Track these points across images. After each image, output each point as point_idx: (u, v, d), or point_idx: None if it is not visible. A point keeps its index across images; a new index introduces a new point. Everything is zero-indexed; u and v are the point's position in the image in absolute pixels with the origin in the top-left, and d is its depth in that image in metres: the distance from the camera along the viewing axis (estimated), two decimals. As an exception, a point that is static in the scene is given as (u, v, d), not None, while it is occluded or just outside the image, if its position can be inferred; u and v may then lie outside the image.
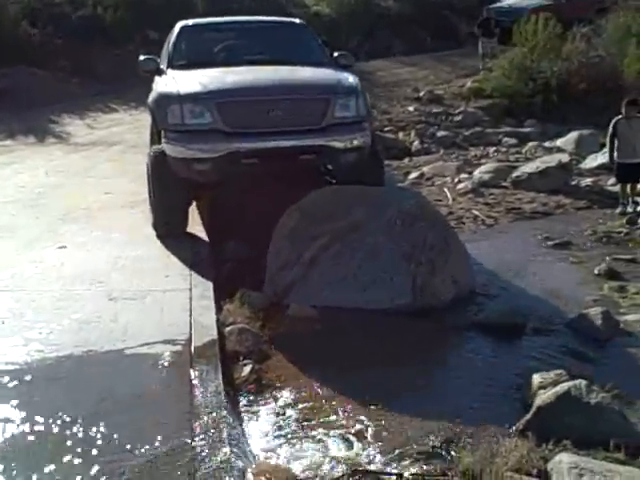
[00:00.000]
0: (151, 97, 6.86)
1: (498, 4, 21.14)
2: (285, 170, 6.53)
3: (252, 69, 6.78)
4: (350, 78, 6.75)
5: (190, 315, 4.98)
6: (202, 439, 3.47)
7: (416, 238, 5.66)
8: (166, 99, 6.39)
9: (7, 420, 3.72)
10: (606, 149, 8.69)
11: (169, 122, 6.26)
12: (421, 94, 15.22)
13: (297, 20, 8.77)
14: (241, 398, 4.21)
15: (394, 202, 6.01)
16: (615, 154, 8.26)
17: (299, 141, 6.20)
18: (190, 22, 7.93)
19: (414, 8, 23.45)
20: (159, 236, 6.61)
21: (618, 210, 8.08)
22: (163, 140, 6.38)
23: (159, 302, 5.22)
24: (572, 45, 14.68)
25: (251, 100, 6.23)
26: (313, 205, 6.20)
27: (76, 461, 3.35)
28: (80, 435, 3.56)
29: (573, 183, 9.46)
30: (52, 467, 3.31)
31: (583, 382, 3.93)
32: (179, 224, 6.66)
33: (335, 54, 7.56)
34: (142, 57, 7.42)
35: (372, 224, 5.75)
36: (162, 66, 7.22)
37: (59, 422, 3.67)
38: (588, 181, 9.52)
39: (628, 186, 8.25)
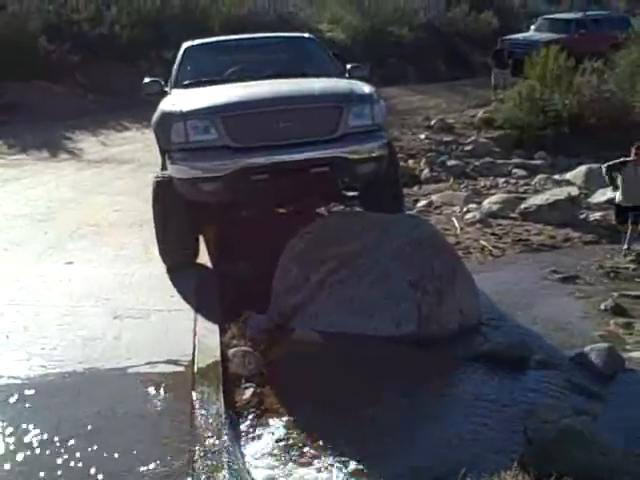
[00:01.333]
0: (154, 118, 6.46)
1: (512, 36, 21.26)
2: (299, 185, 6.09)
3: (259, 83, 6.41)
4: (364, 86, 6.42)
5: (194, 336, 4.98)
6: (201, 463, 3.46)
7: (424, 266, 5.65)
8: (169, 117, 6.03)
9: (4, 434, 3.71)
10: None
11: (173, 141, 5.89)
12: (432, 122, 15.23)
13: (306, 34, 8.47)
14: (242, 421, 4.20)
15: (404, 229, 6.01)
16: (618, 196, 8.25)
17: (311, 153, 5.81)
18: (196, 42, 7.62)
19: (429, 37, 23.57)
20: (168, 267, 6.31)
21: (624, 247, 7.98)
22: (168, 162, 6.05)
23: (164, 321, 5.24)
24: (584, 79, 14.70)
25: (258, 112, 5.87)
26: (323, 229, 6.22)
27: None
28: (77, 453, 3.56)
29: (581, 217, 9.45)
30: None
31: (586, 418, 3.91)
32: (188, 254, 6.38)
33: (348, 66, 7.18)
34: (146, 80, 7.08)
35: (381, 250, 5.75)
36: (167, 88, 6.90)
37: (57, 439, 3.67)
38: (596, 215, 9.49)
39: (629, 225, 8.14)
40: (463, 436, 4.09)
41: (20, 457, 3.54)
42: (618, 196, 8.28)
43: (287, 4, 23.75)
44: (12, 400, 4.07)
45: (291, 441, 4.03)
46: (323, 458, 3.85)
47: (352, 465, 3.79)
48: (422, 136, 14.46)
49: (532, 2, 31.93)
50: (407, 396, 4.57)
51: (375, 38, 22.12)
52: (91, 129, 13.74)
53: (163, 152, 6.27)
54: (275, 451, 3.92)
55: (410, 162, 12.92)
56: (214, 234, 7.27)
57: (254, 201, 6.33)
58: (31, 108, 14.57)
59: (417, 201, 10.43)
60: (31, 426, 3.78)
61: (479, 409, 4.42)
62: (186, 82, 6.79)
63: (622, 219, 8.26)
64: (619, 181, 8.22)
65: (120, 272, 6.26)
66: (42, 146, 12.22)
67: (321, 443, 4.00)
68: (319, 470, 3.72)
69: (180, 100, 6.19)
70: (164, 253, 6.31)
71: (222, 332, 5.27)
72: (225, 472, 3.36)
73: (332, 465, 3.78)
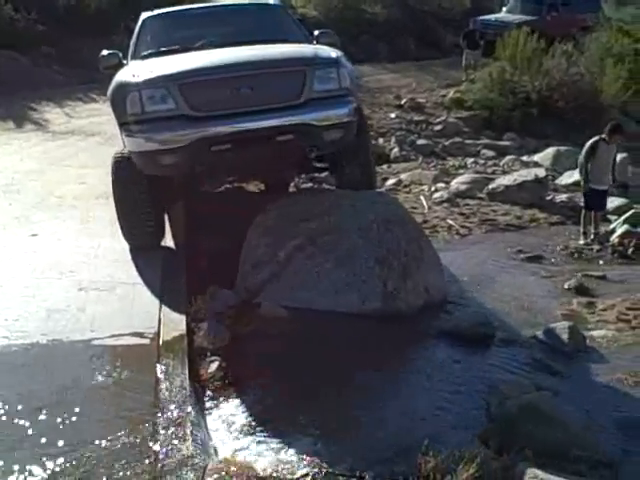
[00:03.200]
0: (109, 89, 6.01)
1: (484, 17, 21.30)
2: (263, 155, 5.80)
3: (220, 50, 6.06)
4: (330, 50, 6.15)
5: (160, 309, 4.95)
6: (165, 434, 3.46)
7: (390, 243, 5.68)
8: (123, 88, 5.65)
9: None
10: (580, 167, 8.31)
11: (128, 112, 5.51)
12: (403, 102, 15.26)
13: (271, 1, 8.10)
14: (206, 394, 4.19)
15: (372, 206, 6.01)
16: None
17: (274, 120, 5.49)
18: (155, 12, 7.23)
19: (401, 16, 23.56)
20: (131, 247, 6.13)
21: (581, 242, 7.87)
22: (123, 135, 5.72)
23: (129, 294, 5.20)
24: (554, 61, 14.81)
25: (217, 79, 5.54)
26: (291, 205, 6.22)
27: (36, 450, 3.33)
28: (41, 425, 3.53)
29: (548, 198, 9.56)
30: (11, 455, 3.28)
31: (547, 394, 3.97)
32: (152, 236, 6.17)
33: (316, 32, 6.89)
34: (104, 52, 6.65)
35: (348, 227, 5.76)
36: (125, 61, 6.54)
37: (21, 410, 3.64)
38: (563, 197, 9.61)
39: (592, 215, 8.14)
40: (425, 412, 4.12)
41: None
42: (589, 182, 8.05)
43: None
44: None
45: (255, 415, 4.03)
46: (286, 432, 3.85)
47: (314, 439, 3.80)
48: (392, 115, 14.49)
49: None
50: (370, 372, 4.59)
51: (348, 15, 22.04)
52: (57, 101, 13.53)
53: (121, 126, 5.84)
54: (238, 424, 3.92)
55: (380, 140, 12.95)
56: (181, 209, 7.21)
57: (216, 173, 6.08)
58: (-4, 79, 14.29)
59: (386, 179, 10.47)
60: (-6, 398, 3.75)
61: (442, 385, 4.45)
62: (144, 53, 6.50)
63: (594, 203, 8.12)
64: (589, 165, 8.04)
65: (85, 245, 6.19)
66: (7, 117, 12.02)
67: (285, 417, 4.00)
68: (281, 444, 3.73)
69: (135, 70, 5.86)
70: (127, 235, 6.12)
71: (189, 306, 5.24)
72: (189, 443, 3.36)
73: (294, 439, 3.79)
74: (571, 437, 3.66)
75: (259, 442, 3.76)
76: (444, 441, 3.78)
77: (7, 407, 3.67)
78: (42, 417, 3.58)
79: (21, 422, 3.56)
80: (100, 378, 4.00)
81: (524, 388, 4.22)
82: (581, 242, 7.89)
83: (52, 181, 8.35)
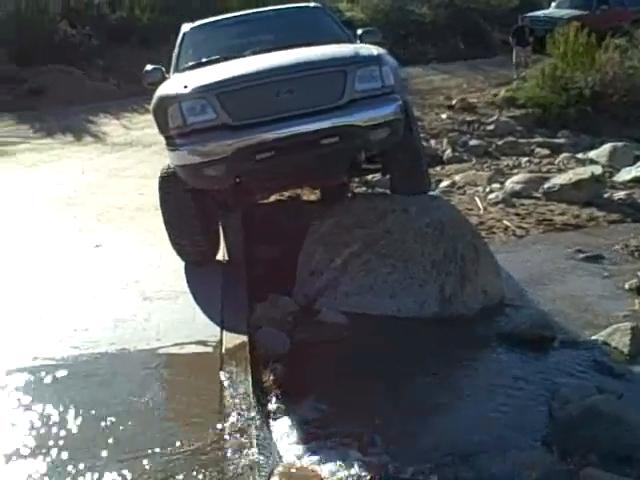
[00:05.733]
0: (151, 104, 5.97)
1: (533, 13, 21.07)
2: (308, 161, 5.63)
3: (261, 57, 5.97)
4: (372, 48, 6.00)
5: (221, 317, 5.06)
6: (230, 439, 3.55)
7: (447, 247, 5.70)
8: (164, 101, 5.65)
9: (41, 415, 3.83)
10: None
11: (170, 126, 5.52)
12: (454, 102, 15.19)
13: (312, 3, 7.88)
14: (269, 401, 4.28)
15: (425, 210, 6.04)
16: None
17: (317, 123, 5.37)
18: (195, 23, 7.24)
19: (449, 16, 23.44)
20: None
21: None
22: (167, 149, 5.70)
23: (191, 303, 5.32)
24: (606, 56, 14.56)
25: (255, 85, 5.44)
26: (345, 212, 6.27)
27: (105, 458, 3.45)
28: (111, 433, 3.66)
29: (606, 196, 9.38)
30: (82, 464, 3.41)
31: (611, 397, 3.95)
32: (205, 252, 6.15)
33: (359, 31, 6.77)
34: (148, 67, 6.54)
35: (403, 231, 5.79)
36: (167, 74, 6.47)
37: (88, 418, 3.78)
38: (621, 194, 9.43)
39: None
40: (487, 416, 4.14)
41: (58, 437, 3.65)
42: None
43: (307, -16, 23.59)
44: (47, 381, 4.18)
45: (318, 421, 4.11)
46: (350, 437, 3.92)
47: (379, 444, 3.85)
48: (444, 116, 14.43)
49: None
50: (431, 376, 4.63)
51: (395, 17, 22.06)
52: (114, 113, 13.88)
53: (165, 140, 5.82)
54: (303, 431, 3.99)
55: (432, 142, 12.92)
56: (237, 220, 7.31)
57: (261, 182, 5.96)
58: (54, 93, 14.77)
59: (440, 181, 10.42)
60: (66, 407, 3.89)
61: (503, 389, 4.46)
62: (186, 65, 6.48)
63: None
64: None
65: (147, 255, 6.36)
66: (67, 130, 12.39)
67: (346, 423, 4.07)
68: (344, 449, 3.79)
69: (176, 83, 5.84)
70: (179, 252, 6.12)
71: (249, 313, 5.36)
72: (254, 449, 3.45)
73: (356, 445, 3.85)
74: (636, 440, 3.64)
75: (322, 447, 3.82)
76: (506, 446, 3.80)
77: (76, 416, 3.81)
78: (111, 426, 3.71)
79: (89, 431, 3.70)
80: (166, 386, 4.13)
81: (586, 391, 4.20)
82: None
83: (113, 193, 8.59)
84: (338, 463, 3.64)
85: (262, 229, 7.39)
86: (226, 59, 6.18)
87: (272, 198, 8.70)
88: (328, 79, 5.59)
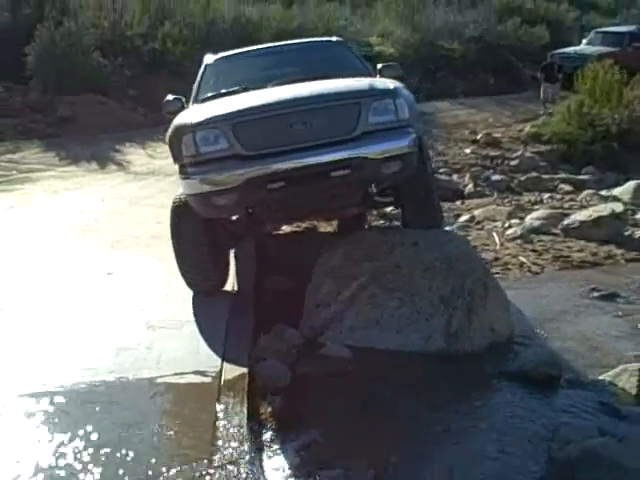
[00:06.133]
0: (168, 133, 6.00)
1: (563, 49, 21.05)
2: (319, 192, 5.65)
3: (275, 89, 6.03)
4: (388, 82, 6.04)
5: (224, 348, 5.06)
6: (219, 472, 3.52)
7: (455, 282, 5.65)
8: (179, 130, 5.70)
9: (35, 441, 3.85)
10: None
11: (184, 155, 5.57)
12: (479, 137, 15.18)
13: (333, 38, 7.95)
14: (264, 434, 4.24)
15: (436, 244, 6.01)
16: None
17: (329, 155, 5.40)
18: (218, 55, 7.31)
19: (479, 51, 23.49)
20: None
21: None
22: (180, 177, 5.73)
23: (196, 333, 5.33)
24: (634, 93, 14.48)
25: (268, 116, 5.49)
26: (355, 244, 6.26)
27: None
28: (103, 460, 3.66)
29: (627, 234, 9.26)
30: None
31: (612, 440, 3.86)
32: (213, 284, 6.20)
33: (379, 66, 6.77)
34: (169, 97, 6.61)
35: (412, 265, 5.76)
36: (187, 105, 6.52)
37: (84, 446, 3.78)
38: (643, 232, 9.31)
39: None
40: (486, 454, 4.07)
41: (48, 463, 3.66)
42: None
43: (338, 19, 23.84)
44: (43, 407, 4.20)
45: (314, 456, 4.06)
46: (345, 474, 3.86)
47: (371, 480, 3.80)
48: (467, 150, 14.43)
49: (586, 15, 31.55)
50: (432, 413, 4.56)
51: (425, 52, 22.20)
52: (140, 142, 14.07)
53: (179, 169, 5.85)
54: (297, 465, 3.95)
55: (454, 176, 12.90)
56: (249, 250, 7.31)
57: (272, 213, 5.94)
58: (83, 121, 15.00)
59: (459, 216, 10.38)
60: (60, 434, 3.91)
61: (503, 428, 4.38)
62: (205, 96, 6.55)
63: None
64: None
65: (157, 283, 6.41)
66: (91, 158, 12.58)
67: (344, 459, 4.01)
68: (337, 485, 3.75)
69: (192, 113, 5.94)
70: (187, 281, 6.16)
71: (253, 344, 5.35)
72: (242, 483, 3.42)
73: (351, 480, 3.80)
74: (633, 486, 3.55)
75: (314, 483, 3.78)
76: (503, 485, 3.73)
77: (71, 443, 3.82)
78: (102, 454, 3.71)
79: (83, 457, 3.70)
80: (161, 416, 4.12)
81: (588, 432, 4.11)
82: None
83: (131, 221, 8.68)
84: (326, 499, 3.59)
85: (276, 260, 7.42)
86: (245, 90, 6.24)
87: (288, 229, 8.77)
88: (342, 111, 5.60)
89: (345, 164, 5.42)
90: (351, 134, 5.48)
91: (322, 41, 7.95)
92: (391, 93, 5.75)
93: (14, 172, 11.69)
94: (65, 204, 9.57)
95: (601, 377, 5.07)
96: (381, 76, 6.59)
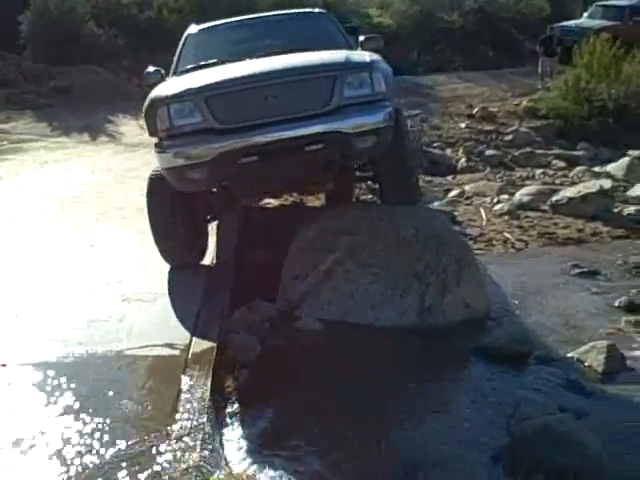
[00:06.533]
0: (144, 106, 5.90)
1: (563, 23, 20.83)
2: (293, 166, 5.58)
3: (251, 61, 5.93)
4: (365, 55, 5.93)
5: (196, 321, 5.07)
6: (177, 444, 3.56)
7: (429, 258, 5.65)
8: (154, 103, 5.61)
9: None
10: None
11: (159, 128, 5.52)
12: (474, 111, 15.07)
13: (317, 9, 7.91)
14: (228, 407, 4.28)
15: (413, 221, 6.00)
16: None
17: (302, 129, 5.31)
18: (200, 26, 7.27)
19: (478, 23, 23.26)
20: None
21: None
22: (155, 151, 5.67)
23: (169, 306, 5.34)
24: (632, 68, 14.34)
25: (242, 89, 5.41)
26: (333, 219, 6.25)
27: (52, 457, 3.51)
28: (62, 430, 3.71)
29: (616, 210, 9.22)
30: (29, 454, 3.51)
31: (568, 416, 3.88)
32: (190, 256, 6.15)
33: (361, 38, 6.67)
34: (149, 69, 6.50)
35: (387, 241, 5.76)
36: (167, 77, 6.43)
37: (46, 416, 3.86)
38: (632, 209, 9.23)
39: None
40: (445, 428, 4.10)
41: (11, 432, 3.72)
42: None
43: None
44: (9, 378, 4.25)
45: (274, 429, 4.09)
46: (303, 448, 3.90)
47: (332, 457, 3.83)
48: (463, 125, 14.34)
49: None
50: (397, 388, 4.59)
51: (423, 23, 21.98)
52: (133, 113, 13.97)
53: (155, 143, 5.79)
54: (256, 439, 3.98)
55: (448, 151, 12.84)
56: (230, 224, 7.30)
57: (245, 187, 5.87)
58: (77, 92, 14.96)
59: (449, 191, 10.35)
60: (22, 404, 3.96)
61: (467, 403, 4.41)
62: (183, 69, 6.49)
63: None
64: None
65: (137, 256, 6.41)
66: (83, 129, 12.56)
67: (304, 432, 4.05)
68: (295, 459, 3.77)
69: (167, 85, 5.87)
70: (163, 255, 6.11)
71: (227, 318, 5.37)
72: (196, 454, 3.45)
73: (311, 455, 3.83)
74: (584, 462, 3.57)
75: (273, 456, 3.81)
76: (460, 458, 3.76)
77: (35, 413, 3.87)
78: (62, 424, 3.76)
79: (43, 427, 3.76)
80: (125, 388, 4.14)
81: (548, 409, 4.13)
82: None
83: (117, 193, 8.66)
84: (283, 474, 3.63)
85: (260, 233, 7.41)
86: (223, 63, 6.18)
87: (276, 203, 8.77)
88: (316, 85, 5.53)
89: (319, 138, 5.36)
90: (325, 108, 5.42)
91: (304, 12, 7.84)
92: (367, 66, 5.65)
93: (5, 142, 11.70)
94: (53, 175, 9.56)
95: (570, 354, 5.09)
96: (362, 49, 6.50)
